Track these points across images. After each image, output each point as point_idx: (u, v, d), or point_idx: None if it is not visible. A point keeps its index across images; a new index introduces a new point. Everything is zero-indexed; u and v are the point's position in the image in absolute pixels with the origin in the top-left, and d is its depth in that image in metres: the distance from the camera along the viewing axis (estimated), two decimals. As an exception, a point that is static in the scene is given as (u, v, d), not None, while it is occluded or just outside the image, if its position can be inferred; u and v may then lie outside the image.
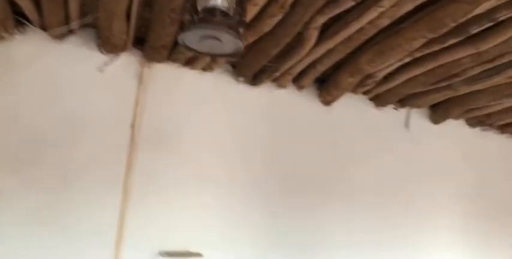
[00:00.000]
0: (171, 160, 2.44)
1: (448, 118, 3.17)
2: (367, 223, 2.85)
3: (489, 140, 3.44)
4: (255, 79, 2.68)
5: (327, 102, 2.91)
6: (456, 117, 3.25)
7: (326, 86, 2.83)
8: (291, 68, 2.54)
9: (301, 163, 2.77)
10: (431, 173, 3.16)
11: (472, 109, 3.10)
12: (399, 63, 2.51)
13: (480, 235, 3.20)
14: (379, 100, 3.03)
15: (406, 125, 3.16)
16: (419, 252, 2.98)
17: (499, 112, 3.11)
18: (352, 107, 3.02)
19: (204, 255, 2.33)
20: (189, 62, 2.55)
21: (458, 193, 3.21)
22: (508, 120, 3.26)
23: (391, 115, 3.13)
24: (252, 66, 2.55)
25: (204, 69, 2.60)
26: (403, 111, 3.17)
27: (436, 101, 3.06)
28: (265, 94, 2.77)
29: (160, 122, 2.48)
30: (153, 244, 2.30)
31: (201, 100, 2.60)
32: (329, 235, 2.73)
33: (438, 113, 3.17)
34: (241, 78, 2.68)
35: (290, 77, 2.68)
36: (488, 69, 2.51)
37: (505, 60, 2.38)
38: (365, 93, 3.01)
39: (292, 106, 2.84)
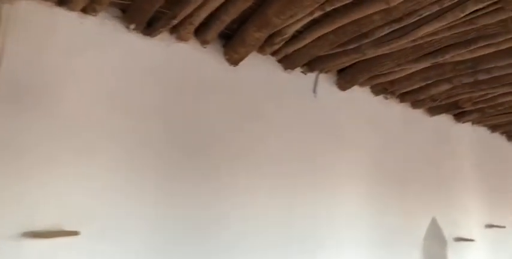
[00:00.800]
0: (38, 122, 1.95)
1: (354, 84, 3.13)
2: (273, 187, 2.69)
3: (390, 109, 3.51)
4: (149, 27, 2.28)
5: (233, 61, 2.63)
6: (362, 84, 3.24)
7: (232, 42, 2.56)
8: (191, 15, 2.20)
9: (202, 129, 2.47)
10: (336, 141, 3.10)
11: (377, 75, 3.10)
12: (309, 18, 2.34)
13: (381, 199, 3.26)
14: (287, 62, 2.85)
15: (314, 90, 3.04)
16: (328, 224, 2.91)
17: (402, 79, 3.15)
18: (260, 69, 2.80)
19: (81, 232, 1.92)
20: (65, 1, 2.06)
21: (362, 161, 3.21)
22: (408, 89, 3.34)
23: (299, 79, 2.99)
24: (145, 10, 2.14)
25: (85, 11, 2.13)
26: (311, 76, 3.05)
27: (343, 66, 3.00)
28: (162, 47, 2.39)
29: (24, 74, 1.97)
30: (15, 224, 1.82)
31: (79, 49, 2.13)
32: (230, 205, 2.49)
33: (345, 78, 3.11)
34: (132, 26, 2.26)
35: (192, 28, 2.34)
36: (396, 30, 2.49)
37: (411, 20, 2.36)
38: (273, 53, 2.80)
39: (193, 63, 2.51)
